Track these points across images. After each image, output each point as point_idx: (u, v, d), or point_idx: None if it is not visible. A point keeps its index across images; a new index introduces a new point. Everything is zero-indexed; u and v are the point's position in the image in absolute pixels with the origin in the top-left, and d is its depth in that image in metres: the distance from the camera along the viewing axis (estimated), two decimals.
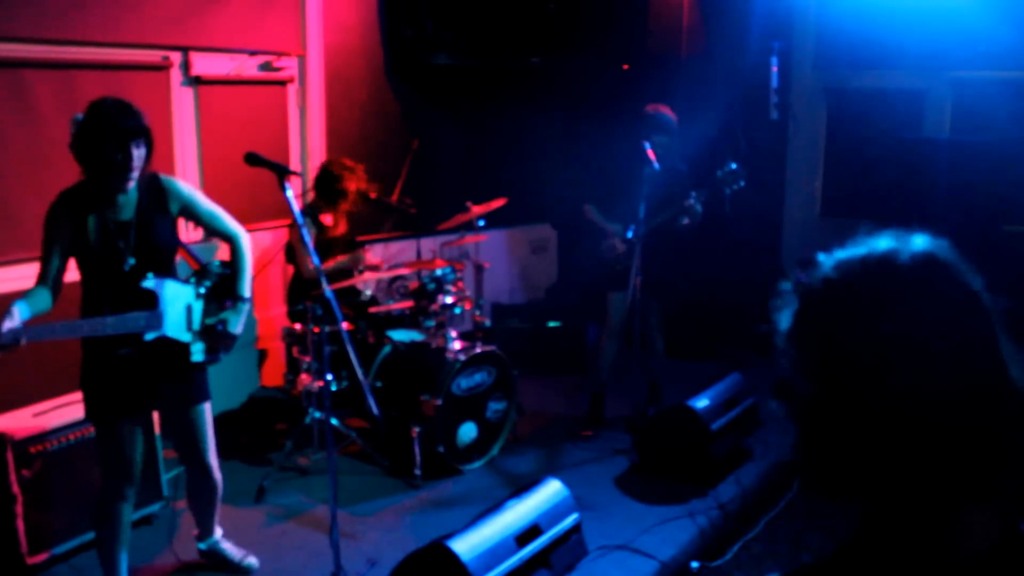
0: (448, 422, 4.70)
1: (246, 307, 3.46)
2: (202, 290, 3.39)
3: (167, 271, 3.28)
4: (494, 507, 3.57)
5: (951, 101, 6.66)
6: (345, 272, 5.00)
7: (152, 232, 3.20)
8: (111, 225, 3.13)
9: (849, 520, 1.04)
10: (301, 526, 4.23)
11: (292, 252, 5.10)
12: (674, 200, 4.95)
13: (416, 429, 4.64)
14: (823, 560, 1.02)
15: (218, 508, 3.81)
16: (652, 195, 4.80)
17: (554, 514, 3.68)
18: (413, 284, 5.19)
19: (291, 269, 5.17)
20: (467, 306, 5.13)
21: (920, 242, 1.01)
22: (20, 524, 3.62)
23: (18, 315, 2.89)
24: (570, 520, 3.74)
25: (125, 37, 4.71)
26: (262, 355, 5.68)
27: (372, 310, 5.08)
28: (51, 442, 3.73)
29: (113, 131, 2.99)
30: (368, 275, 5.05)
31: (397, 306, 5.12)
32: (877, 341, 0.95)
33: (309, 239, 3.43)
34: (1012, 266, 5.70)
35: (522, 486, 3.80)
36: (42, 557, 3.70)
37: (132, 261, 3.15)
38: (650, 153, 4.78)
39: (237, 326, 3.41)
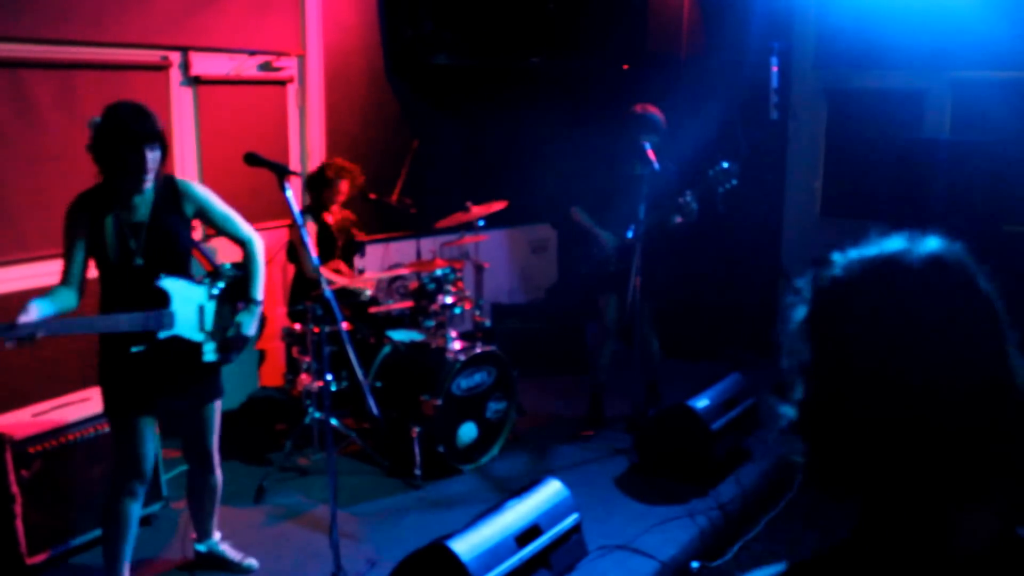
0: (448, 422, 4.70)
1: (259, 309, 3.51)
2: (215, 291, 3.43)
3: (180, 271, 3.32)
4: (494, 507, 3.57)
5: (951, 101, 6.65)
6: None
7: (165, 233, 3.26)
8: (125, 225, 3.20)
9: (849, 520, 1.04)
10: (301, 526, 4.23)
11: (293, 252, 5.10)
12: (663, 200, 4.94)
13: (416, 429, 4.64)
14: (825, 553, 1.02)
15: (217, 509, 3.82)
16: (646, 195, 4.80)
17: (554, 514, 3.68)
18: (413, 284, 5.19)
19: (291, 269, 5.17)
20: (467, 306, 5.13)
21: (932, 244, 1.01)
22: (19, 524, 3.62)
23: (36, 311, 2.96)
24: (570, 520, 3.74)
25: (124, 37, 4.71)
26: (262, 355, 5.68)
27: (372, 310, 5.08)
28: (50, 442, 3.73)
29: (128, 134, 3.07)
30: (368, 275, 5.05)
31: (397, 306, 5.12)
32: (884, 341, 0.95)
33: (308, 239, 3.44)
34: (1012, 266, 5.69)
35: (522, 486, 3.80)
36: (41, 557, 3.70)
37: (140, 261, 3.20)
38: (650, 153, 4.78)
39: (250, 328, 3.47)
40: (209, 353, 3.41)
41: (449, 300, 4.94)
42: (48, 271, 4.44)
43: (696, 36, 7.22)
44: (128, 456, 3.34)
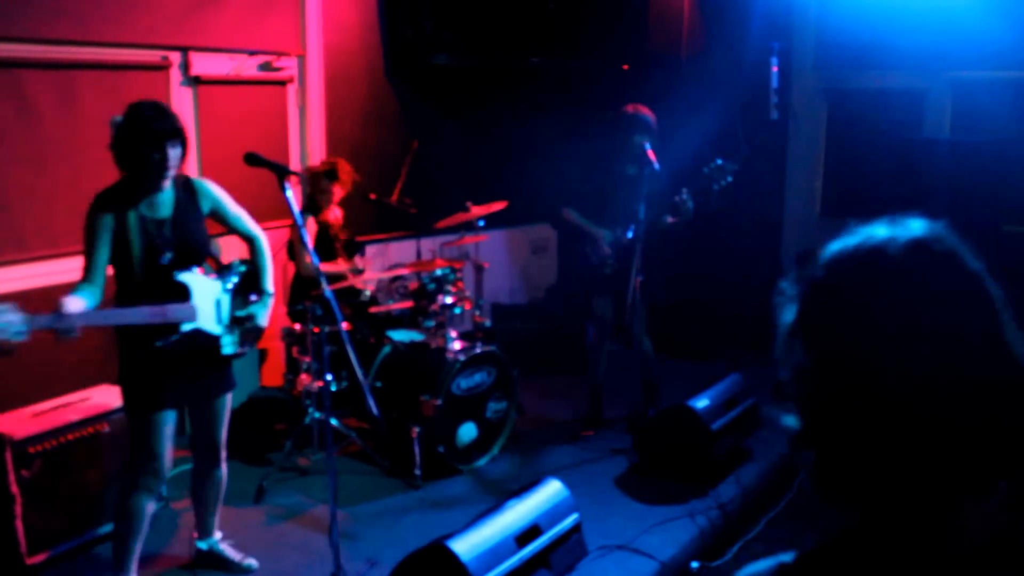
0: (448, 422, 4.70)
1: (271, 301, 3.62)
2: (229, 285, 3.51)
3: (199, 266, 3.41)
4: (494, 507, 3.57)
5: (951, 101, 6.65)
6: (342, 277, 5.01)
7: (188, 229, 3.36)
8: (149, 223, 3.26)
9: (850, 518, 1.04)
10: (301, 526, 4.23)
11: (293, 252, 5.10)
12: (655, 199, 4.93)
13: (416, 429, 4.64)
14: (830, 544, 1.01)
15: (220, 507, 3.83)
16: (639, 195, 4.81)
17: (554, 514, 3.68)
18: (413, 284, 5.19)
19: (292, 269, 5.17)
20: (467, 306, 5.13)
21: (915, 227, 0.98)
22: (19, 524, 3.62)
23: (79, 303, 3.02)
24: (570, 520, 3.74)
25: (124, 37, 4.71)
26: (262, 355, 5.68)
27: (372, 310, 5.08)
28: (50, 442, 3.73)
29: (151, 133, 3.15)
30: (368, 275, 5.05)
31: (397, 306, 5.12)
32: (874, 335, 0.93)
33: (308, 239, 3.45)
34: (1012, 266, 5.70)
35: (522, 486, 3.80)
36: (41, 557, 3.70)
37: (170, 256, 3.28)
38: (650, 153, 4.78)
39: (265, 319, 3.58)
40: (227, 346, 3.49)
41: (449, 300, 4.94)
42: (48, 271, 4.45)
43: (696, 36, 7.22)
44: (147, 452, 3.38)
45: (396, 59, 6.29)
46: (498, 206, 5.31)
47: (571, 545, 3.74)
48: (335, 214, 5.18)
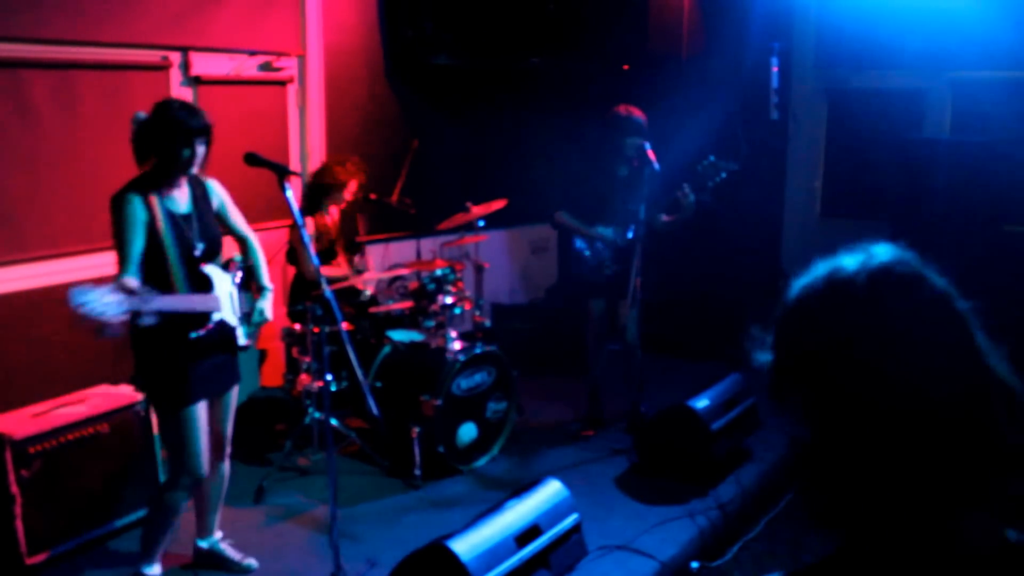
0: (448, 422, 4.70)
1: (271, 295, 3.70)
2: (236, 279, 3.60)
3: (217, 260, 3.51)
4: (494, 507, 3.57)
5: (951, 101, 6.66)
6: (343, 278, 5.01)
7: (207, 223, 3.45)
8: (177, 216, 3.32)
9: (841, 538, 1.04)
10: (301, 526, 4.23)
11: (293, 253, 5.10)
12: (652, 200, 4.92)
13: (416, 429, 4.64)
14: (823, 562, 1.02)
15: (221, 505, 3.84)
16: (632, 197, 4.81)
17: (554, 514, 3.68)
18: (413, 284, 5.19)
19: (292, 270, 5.17)
20: (467, 306, 5.13)
21: (879, 253, 0.99)
22: (19, 524, 3.62)
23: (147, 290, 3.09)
24: (570, 520, 3.74)
25: (124, 37, 4.71)
26: (262, 355, 5.68)
27: (372, 310, 5.08)
28: (50, 442, 3.73)
29: (184, 130, 3.23)
30: (368, 275, 5.05)
31: (397, 306, 5.12)
32: (852, 362, 0.95)
33: (309, 239, 3.46)
34: (1012, 266, 5.70)
35: (522, 486, 3.80)
36: (41, 557, 3.70)
37: (202, 246, 3.36)
38: (650, 153, 4.78)
39: (271, 312, 3.68)
40: (242, 337, 3.57)
41: (449, 300, 4.94)
42: (48, 271, 4.45)
43: (696, 36, 7.22)
44: (190, 450, 3.41)
45: (396, 59, 6.29)
46: (498, 206, 5.31)
47: (571, 545, 3.74)
48: (332, 215, 5.18)
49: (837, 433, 0.97)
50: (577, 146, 6.07)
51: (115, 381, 4.34)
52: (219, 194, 3.56)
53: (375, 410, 3.59)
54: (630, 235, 5.04)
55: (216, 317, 3.39)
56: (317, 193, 5.04)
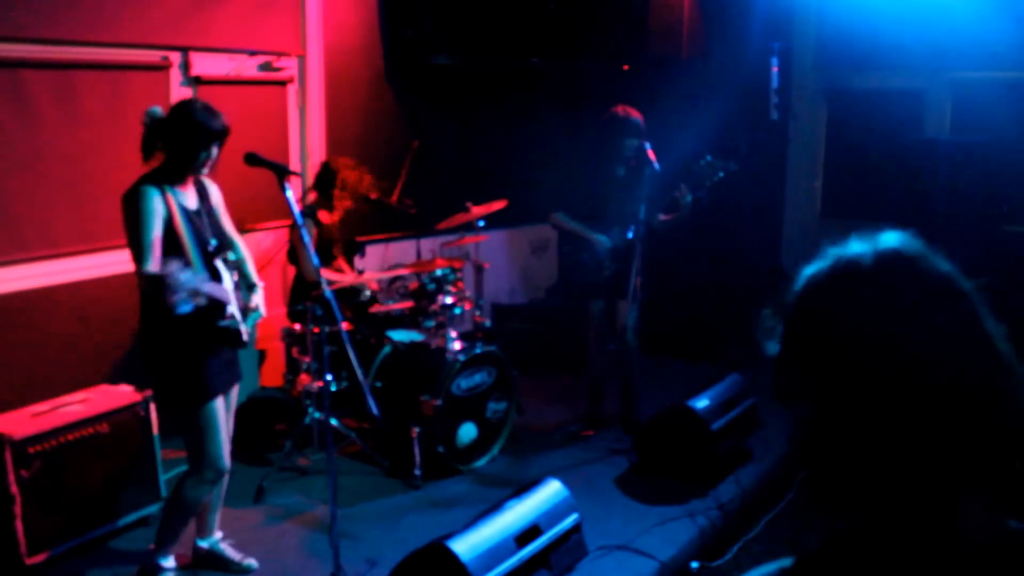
0: (448, 422, 4.70)
1: (262, 292, 3.74)
2: (235, 276, 3.62)
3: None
4: (494, 507, 3.57)
5: (951, 101, 6.66)
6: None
7: (215, 220, 3.52)
8: (189, 211, 3.36)
9: (845, 523, 1.04)
10: (301, 526, 4.23)
11: (293, 253, 5.10)
12: (651, 200, 4.92)
13: (416, 429, 4.64)
14: (829, 545, 1.02)
15: (221, 505, 3.84)
16: (630, 197, 4.81)
17: (554, 514, 3.68)
18: (413, 284, 5.19)
19: (292, 270, 5.17)
20: (467, 306, 5.13)
21: (885, 239, 1.01)
22: (19, 525, 3.61)
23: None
24: (570, 520, 3.74)
25: (125, 37, 4.71)
26: (262, 355, 5.68)
27: (372, 310, 5.08)
28: (50, 442, 3.73)
29: (206, 132, 3.29)
30: (368, 275, 5.05)
31: (397, 306, 5.12)
32: (861, 345, 0.96)
33: (309, 240, 3.47)
34: (1012, 266, 5.70)
35: (522, 486, 3.80)
36: (41, 557, 3.69)
37: (215, 242, 3.43)
38: (650, 153, 4.78)
39: (264, 308, 3.73)
40: (245, 333, 3.58)
41: (449, 300, 4.93)
42: (48, 271, 4.45)
43: (696, 36, 7.21)
44: (215, 444, 3.45)
45: (396, 59, 6.29)
46: (498, 206, 5.31)
47: (571, 545, 3.74)
48: (335, 216, 5.18)
49: (845, 413, 0.97)
50: (577, 146, 6.08)
51: (115, 381, 4.34)
52: (216, 195, 3.60)
53: (375, 410, 3.59)
54: (629, 235, 5.03)
55: (231, 308, 3.44)
56: (325, 183, 5.01)
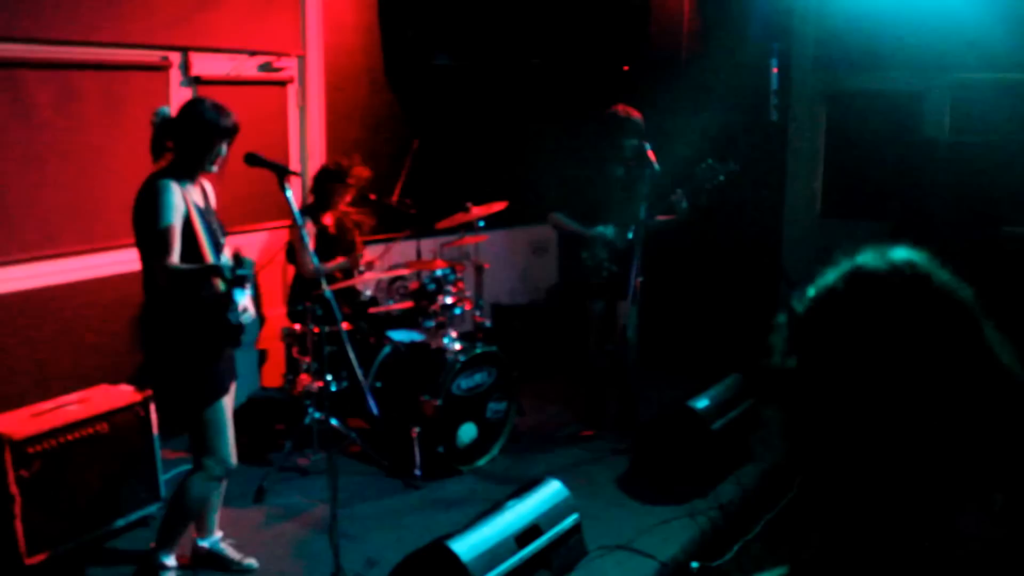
0: (448, 422, 4.70)
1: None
2: (228, 276, 3.60)
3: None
4: (494, 507, 3.57)
5: (951, 102, 6.65)
6: (346, 273, 5.01)
7: (219, 218, 3.54)
8: (200, 208, 3.39)
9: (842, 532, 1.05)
10: (301, 526, 4.23)
11: (293, 253, 5.10)
12: (650, 200, 4.93)
13: (416, 429, 4.64)
14: (823, 556, 1.03)
15: (221, 505, 3.84)
16: (630, 197, 4.81)
17: (554, 514, 3.68)
18: (413, 284, 5.19)
19: (292, 270, 5.17)
20: (467, 306, 5.13)
21: (898, 253, 1.03)
22: (19, 525, 3.61)
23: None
24: (570, 520, 3.74)
25: (124, 37, 4.71)
26: (262, 355, 5.68)
27: (372, 310, 5.08)
28: (50, 442, 3.73)
29: (221, 130, 3.34)
30: (368, 275, 5.05)
31: (397, 306, 5.12)
32: (878, 359, 0.97)
33: (308, 240, 3.47)
34: (1012, 266, 5.71)
35: (522, 486, 3.80)
36: (41, 557, 3.69)
37: (223, 239, 3.46)
38: (650, 154, 4.78)
39: (252, 311, 3.73)
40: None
41: (449, 300, 4.94)
42: (48, 271, 4.45)
43: (696, 37, 7.22)
44: (223, 442, 3.46)
45: (396, 59, 6.29)
46: (498, 206, 5.31)
47: (571, 545, 3.74)
48: (335, 215, 5.18)
49: (854, 419, 0.98)
50: (577, 146, 6.08)
51: (115, 381, 4.34)
52: (213, 196, 3.62)
53: (375, 410, 3.59)
54: (629, 235, 5.03)
55: (243, 304, 3.45)
56: (324, 184, 5.03)
